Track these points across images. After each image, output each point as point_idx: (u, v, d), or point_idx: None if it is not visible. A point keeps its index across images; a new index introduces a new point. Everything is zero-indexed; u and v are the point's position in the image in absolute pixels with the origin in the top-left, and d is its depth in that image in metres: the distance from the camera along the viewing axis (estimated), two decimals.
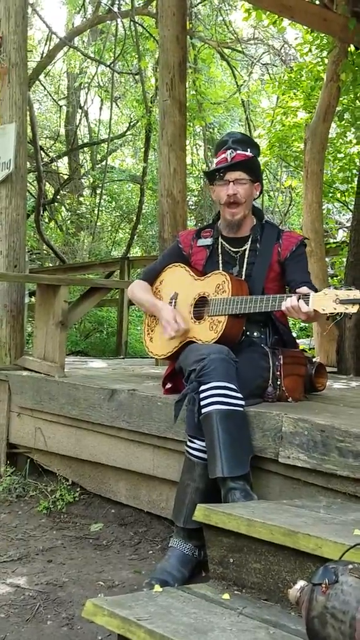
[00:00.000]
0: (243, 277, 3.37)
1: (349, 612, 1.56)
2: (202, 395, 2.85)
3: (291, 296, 2.96)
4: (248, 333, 3.34)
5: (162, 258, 3.71)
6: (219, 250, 3.48)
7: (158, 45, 5.28)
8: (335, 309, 2.79)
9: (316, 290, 2.99)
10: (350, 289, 2.80)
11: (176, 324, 3.34)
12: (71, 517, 3.79)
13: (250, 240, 3.44)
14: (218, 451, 2.76)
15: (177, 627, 1.90)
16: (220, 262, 3.45)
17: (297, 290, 3.00)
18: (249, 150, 3.38)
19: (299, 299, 2.90)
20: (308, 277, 3.36)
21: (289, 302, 2.94)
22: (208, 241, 3.51)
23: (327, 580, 1.63)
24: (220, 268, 3.41)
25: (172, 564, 2.82)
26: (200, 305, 3.37)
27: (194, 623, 1.94)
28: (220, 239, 3.49)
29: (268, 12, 7.04)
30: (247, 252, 3.43)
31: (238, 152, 3.34)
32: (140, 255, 14.13)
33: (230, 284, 3.25)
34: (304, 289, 2.97)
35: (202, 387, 2.86)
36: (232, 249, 3.45)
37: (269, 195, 15.31)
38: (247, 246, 3.43)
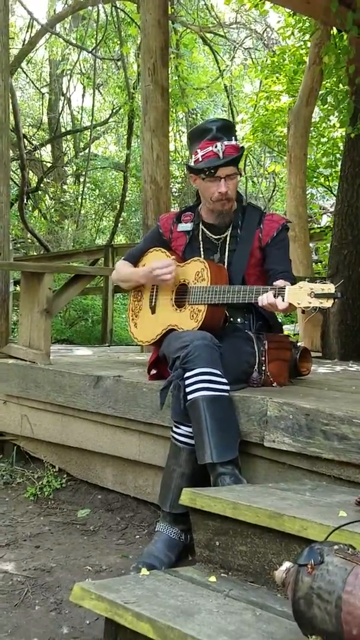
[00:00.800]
0: (225, 264, 3.36)
1: (335, 592, 1.58)
2: (187, 381, 2.86)
3: (267, 290, 2.96)
4: (232, 319, 3.34)
5: (144, 242, 3.68)
6: (200, 236, 3.45)
7: (140, 30, 5.24)
8: (310, 302, 2.79)
9: (294, 281, 2.99)
10: (325, 283, 2.80)
11: (166, 262, 3.33)
12: (58, 504, 3.80)
13: (231, 226, 3.40)
14: (206, 437, 2.76)
15: (164, 609, 1.91)
16: (201, 248, 3.43)
17: (274, 283, 2.98)
18: (233, 138, 3.25)
19: (274, 294, 2.90)
20: (288, 266, 3.34)
21: (265, 295, 2.94)
22: (188, 226, 3.47)
23: (312, 561, 1.64)
24: (202, 255, 3.39)
25: (159, 548, 2.83)
26: (182, 293, 3.37)
27: (180, 605, 1.95)
28: (201, 225, 3.45)
29: None
30: (228, 239, 3.40)
31: (227, 144, 3.18)
32: (124, 243, 14.08)
33: (209, 271, 3.24)
34: (279, 282, 2.96)
35: (187, 374, 2.86)
36: (214, 236, 3.42)
37: (252, 181, 15.31)
38: (228, 233, 3.40)
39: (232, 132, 3.29)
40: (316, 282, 2.82)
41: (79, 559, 3.04)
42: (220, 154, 3.19)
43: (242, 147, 3.34)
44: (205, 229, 3.44)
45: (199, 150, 3.24)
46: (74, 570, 2.92)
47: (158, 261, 3.40)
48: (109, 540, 3.29)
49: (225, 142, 3.19)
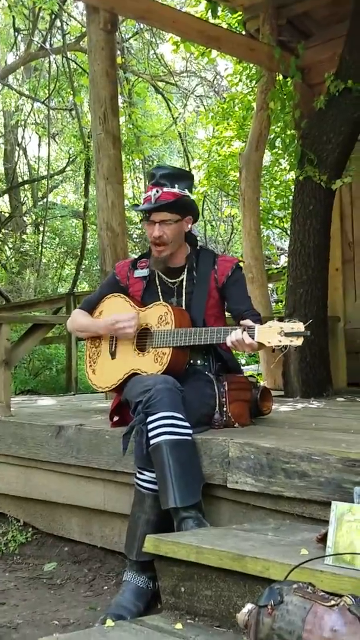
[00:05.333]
0: (183, 306, 3.40)
1: (295, 631, 1.58)
2: (150, 426, 2.86)
3: (236, 329, 2.99)
4: (192, 361, 3.36)
5: (100, 289, 3.70)
6: (157, 281, 3.49)
7: (89, 80, 5.33)
8: (280, 341, 2.83)
9: (260, 318, 3.03)
10: (295, 322, 2.85)
11: (130, 316, 3.35)
12: (24, 558, 3.74)
13: (186, 269, 3.45)
14: (169, 482, 2.76)
15: None
16: (159, 292, 3.46)
17: (242, 322, 3.01)
18: (176, 186, 3.29)
19: (243, 331, 2.94)
20: (249, 303, 3.40)
21: (234, 335, 2.96)
22: (144, 272, 3.50)
23: (272, 602, 1.65)
24: (160, 299, 3.42)
25: (126, 598, 2.79)
26: (143, 337, 3.38)
27: None
28: (156, 270, 3.49)
29: (196, 44, 7.17)
30: (184, 282, 3.45)
31: (164, 190, 3.26)
32: (86, 291, 14.07)
33: (173, 315, 3.27)
34: (248, 322, 2.98)
35: (150, 418, 2.87)
36: (170, 280, 3.47)
37: (211, 225, 15.48)
38: (184, 276, 3.45)
39: (177, 180, 3.33)
40: (285, 321, 2.87)
41: (46, 613, 2.99)
42: (153, 199, 3.27)
43: (185, 196, 3.33)
44: (161, 274, 3.48)
45: (144, 194, 3.39)
46: (40, 625, 2.87)
47: (120, 314, 3.41)
48: (77, 592, 3.24)
49: (165, 189, 3.27)
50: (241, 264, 3.57)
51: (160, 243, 3.33)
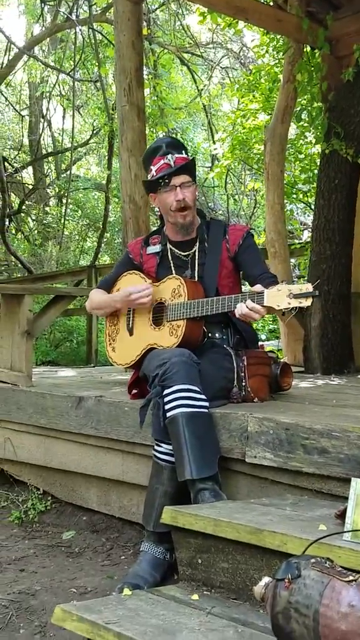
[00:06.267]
0: (196, 278, 3.41)
1: (312, 605, 1.58)
2: (166, 399, 2.87)
3: (245, 295, 3.00)
4: (210, 334, 3.37)
5: (116, 269, 3.73)
6: (169, 255, 3.51)
7: (115, 51, 5.27)
8: (289, 303, 2.83)
9: (275, 279, 3.03)
10: (303, 283, 2.85)
11: (143, 287, 3.37)
12: (43, 526, 3.78)
13: (198, 241, 3.48)
14: (186, 454, 2.77)
15: (146, 629, 1.91)
16: (172, 267, 3.49)
17: (252, 289, 3.03)
18: (183, 152, 3.42)
19: (253, 299, 2.93)
20: (264, 267, 3.44)
21: (240, 309, 2.98)
22: (157, 248, 3.55)
23: (289, 575, 1.65)
24: (174, 273, 3.44)
25: (143, 568, 2.82)
26: (159, 311, 3.40)
27: (162, 624, 1.95)
28: (168, 245, 3.52)
29: (223, 15, 7.07)
30: (196, 254, 3.47)
31: (177, 155, 3.37)
32: (108, 263, 14.09)
33: (186, 287, 3.28)
34: (257, 287, 3.00)
35: (166, 391, 2.87)
36: (182, 253, 3.50)
37: (234, 199, 15.38)
38: (196, 247, 3.48)
39: (181, 147, 3.47)
40: (293, 283, 2.86)
41: (64, 581, 3.03)
42: (172, 163, 3.35)
43: (193, 158, 3.50)
44: (173, 248, 3.51)
45: (152, 167, 3.43)
46: (58, 592, 2.90)
47: (135, 285, 3.43)
48: (94, 561, 3.28)
49: (176, 155, 3.37)
50: (252, 231, 3.58)
51: (185, 206, 3.37)
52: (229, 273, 3.44)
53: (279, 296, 2.86)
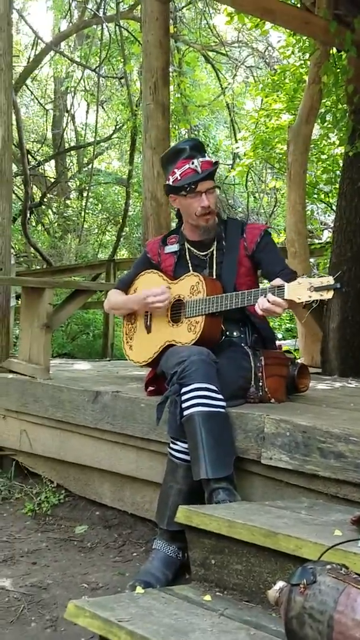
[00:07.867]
0: (214, 277, 3.40)
1: (327, 612, 1.58)
2: (183, 397, 2.86)
3: (265, 290, 2.99)
4: (228, 333, 3.37)
5: (134, 268, 3.72)
6: (187, 255, 3.51)
7: (142, 49, 5.27)
8: (310, 296, 2.82)
9: (294, 275, 3.01)
10: (323, 276, 2.83)
11: (159, 290, 3.37)
12: (56, 520, 3.80)
13: (215, 240, 3.47)
14: (201, 453, 2.77)
15: (158, 628, 1.91)
16: (190, 266, 3.48)
17: (272, 283, 3.02)
18: (206, 155, 3.38)
19: (273, 293, 2.92)
20: (283, 263, 3.41)
21: (261, 304, 2.95)
22: (175, 247, 3.54)
23: (305, 581, 1.64)
24: (191, 271, 3.44)
25: (155, 566, 2.82)
26: (177, 308, 3.39)
27: (174, 624, 1.95)
28: (186, 244, 3.51)
29: (250, 16, 7.05)
30: (214, 253, 3.46)
31: (202, 160, 3.30)
32: (126, 257, 14.10)
33: (204, 283, 3.28)
34: (277, 281, 2.99)
35: (184, 390, 2.87)
36: (200, 253, 3.49)
37: (254, 197, 15.33)
38: (214, 247, 3.47)
39: (203, 149, 3.42)
40: (314, 277, 2.84)
41: (76, 576, 3.04)
42: (199, 169, 3.29)
43: (217, 162, 3.46)
44: (191, 247, 3.50)
45: (176, 170, 3.35)
46: (70, 587, 2.91)
47: (151, 289, 3.42)
48: (106, 557, 3.28)
49: (200, 159, 3.31)
50: (269, 230, 3.56)
51: (210, 212, 3.35)
52: (247, 271, 3.43)
53: (299, 289, 2.84)
